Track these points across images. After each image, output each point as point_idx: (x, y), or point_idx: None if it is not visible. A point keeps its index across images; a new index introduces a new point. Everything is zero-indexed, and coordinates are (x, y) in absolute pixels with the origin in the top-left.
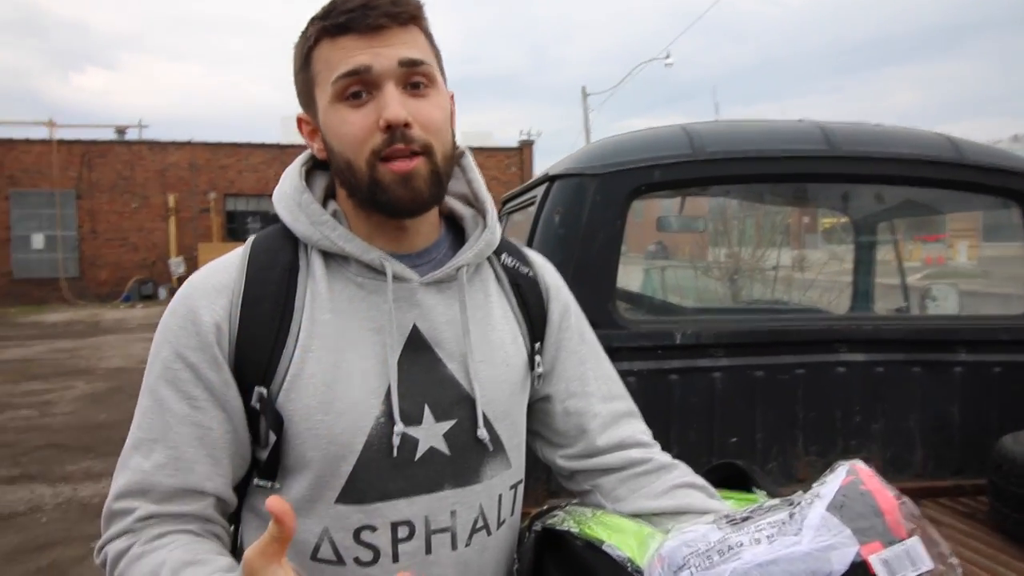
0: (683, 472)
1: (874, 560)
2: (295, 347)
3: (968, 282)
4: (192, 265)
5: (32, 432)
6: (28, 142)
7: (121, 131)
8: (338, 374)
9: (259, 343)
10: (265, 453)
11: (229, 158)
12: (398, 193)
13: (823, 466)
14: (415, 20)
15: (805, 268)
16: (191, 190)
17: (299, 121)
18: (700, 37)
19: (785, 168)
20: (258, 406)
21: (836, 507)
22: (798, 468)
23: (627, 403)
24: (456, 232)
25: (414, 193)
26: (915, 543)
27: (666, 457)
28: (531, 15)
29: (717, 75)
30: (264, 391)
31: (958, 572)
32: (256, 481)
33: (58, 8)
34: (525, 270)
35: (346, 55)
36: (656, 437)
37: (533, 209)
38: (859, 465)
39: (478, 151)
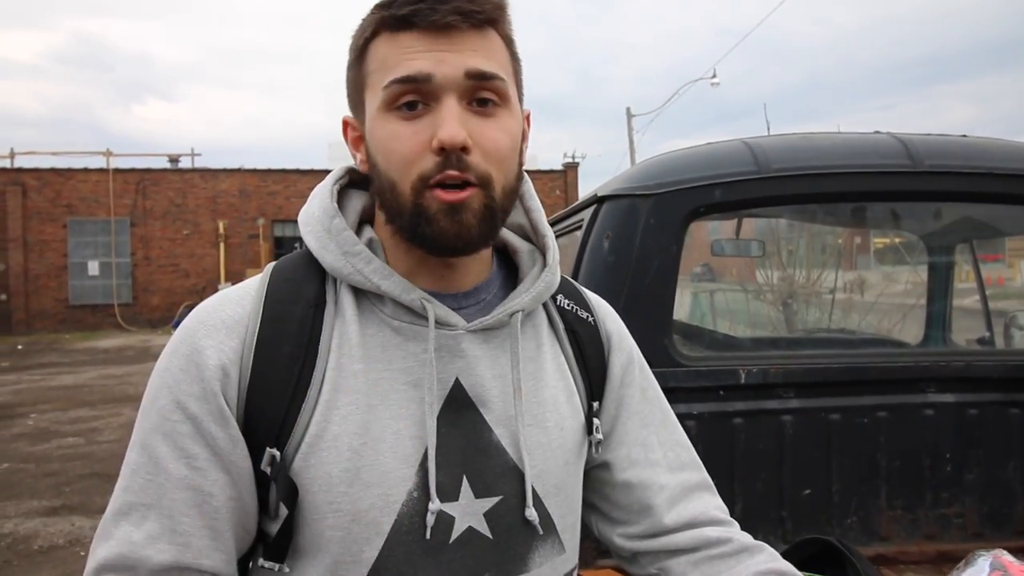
0: (768, 557)
1: None
2: (317, 401)
3: None
4: None
5: (76, 461)
6: (86, 171)
7: (174, 160)
8: (367, 437)
9: (274, 394)
10: (275, 527)
11: (277, 184)
12: (443, 225)
13: (908, 522)
14: (493, 23)
15: (863, 291)
16: (240, 216)
17: (345, 125)
18: (747, 57)
19: (862, 185)
20: (268, 471)
21: None
22: (880, 524)
23: (699, 473)
24: (509, 268)
25: (461, 228)
26: None
27: (747, 538)
28: (578, 37)
29: (765, 94)
30: (277, 454)
31: None
32: (261, 562)
33: (124, 42)
34: (584, 315)
35: (404, 56)
36: (719, 488)
37: (580, 234)
38: (1005, 558)
39: None
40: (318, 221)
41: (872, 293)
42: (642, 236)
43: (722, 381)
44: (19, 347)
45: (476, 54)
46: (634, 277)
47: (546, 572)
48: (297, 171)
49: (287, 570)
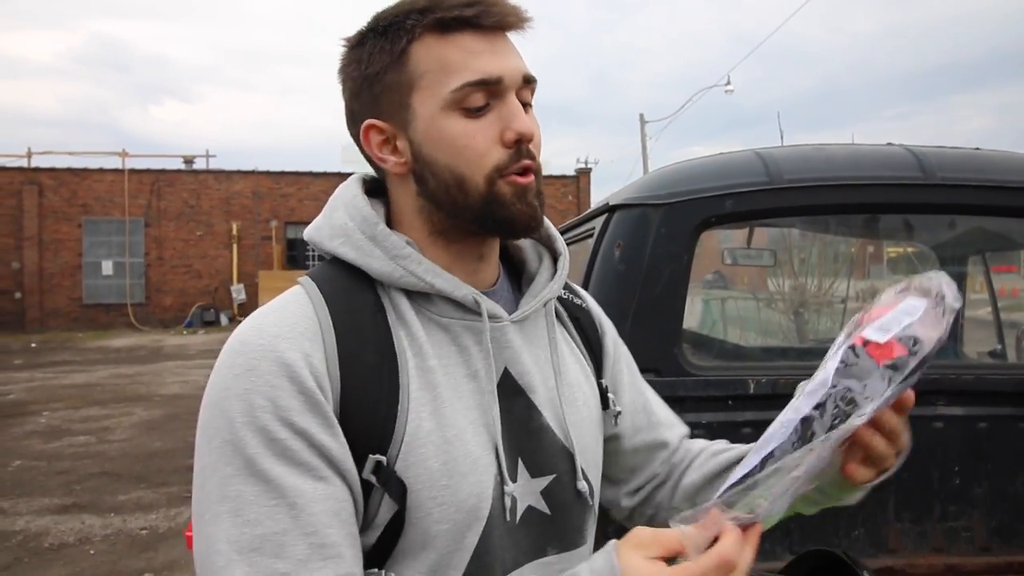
0: (704, 442)
1: (867, 332)
2: (408, 402)
3: None
4: (252, 292)
5: (87, 459)
6: (102, 171)
7: (189, 161)
8: (455, 430)
9: (368, 401)
10: (373, 536)
11: (291, 187)
12: (518, 208)
13: (916, 535)
14: (530, 25)
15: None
16: (254, 218)
17: (368, 129)
18: (762, 64)
19: (873, 197)
20: (373, 478)
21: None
22: (889, 537)
23: (684, 426)
24: (508, 266)
25: (532, 209)
26: (909, 301)
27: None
28: (593, 43)
29: (780, 102)
30: (383, 458)
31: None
32: None
33: (143, 43)
34: (579, 302)
35: (470, 58)
36: None
37: (591, 242)
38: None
39: None
40: (356, 230)
41: None
42: (653, 245)
43: (731, 391)
44: (32, 345)
45: (521, 59)
46: (644, 286)
47: (592, 541)
48: (310, 173)
49: (392, 575)
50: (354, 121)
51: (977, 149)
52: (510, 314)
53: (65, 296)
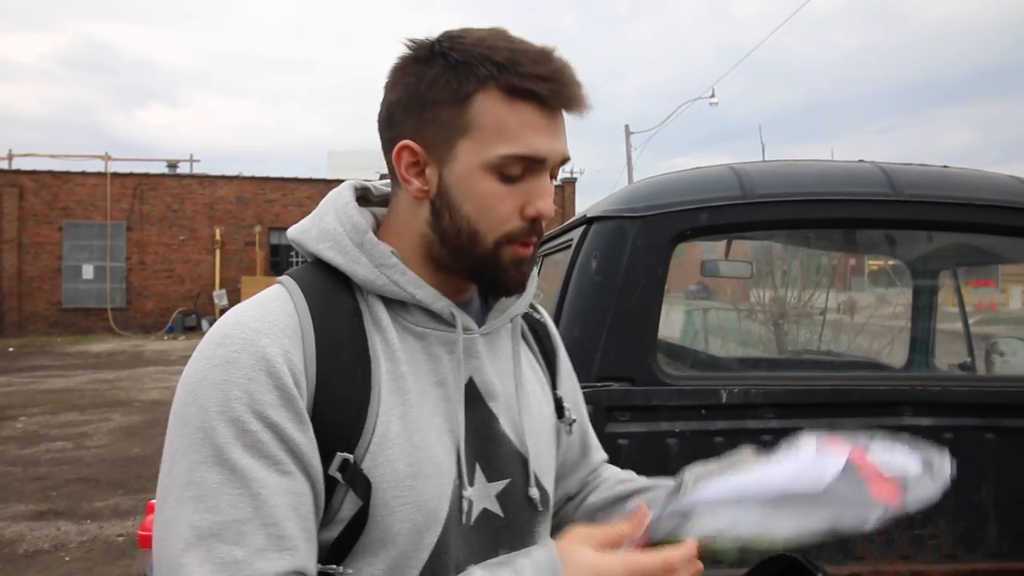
0: (617, 469)
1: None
2: (379, 404)
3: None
4: (234, 298)
5: (64, 465)
6: (84, 174)
7: (172, 165)
8: (421, 433)
9: (342, 400)
10: (335, 531)
11: (275, 192)
12: (511, 275)
13: (883, 542)
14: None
15: (853, 313)
16: (237, 224)
17: (403, 149)
18: (749, 77)
19: (842, 212)
20: (339, 476)
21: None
22: (855, 544)
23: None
24: None
25: (522, 279)
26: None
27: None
28: (581, 53)
29: (766, 115)
30: (350, 457)
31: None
32: (318, 567)
33: (130, 47)
34: (539, 317)
35: (526, 131)
36: None
37: (570, 253)
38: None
39: None
40: (344, 236)
41: (863, 315)
42: (629, 257)
43: (704, 400)
44: (10, 349)
45: (566, 139)
46: (620, 296)
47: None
48: (295, 179)
49: (350, 571)
50: (390, 126)
51: (945, 167)
52: (479, 326)
53: (44, 300)
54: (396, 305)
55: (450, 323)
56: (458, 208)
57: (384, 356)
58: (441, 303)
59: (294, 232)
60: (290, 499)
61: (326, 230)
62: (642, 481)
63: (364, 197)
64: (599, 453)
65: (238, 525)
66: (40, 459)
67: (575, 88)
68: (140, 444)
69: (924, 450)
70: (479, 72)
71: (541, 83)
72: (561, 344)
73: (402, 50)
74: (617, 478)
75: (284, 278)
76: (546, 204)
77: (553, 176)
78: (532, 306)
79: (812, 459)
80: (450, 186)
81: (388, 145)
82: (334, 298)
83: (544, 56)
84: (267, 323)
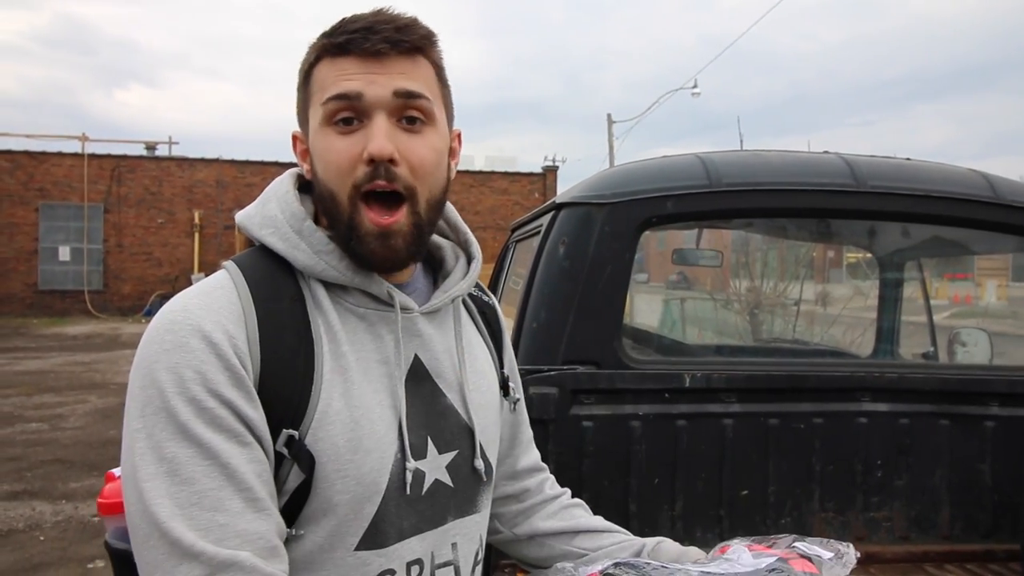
0: (568, 496)
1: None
2: (321, 383)
3: (998, 323)
4: None
5: (39, 446)
6: (60, 155)
7: (151, 147)
8: (362, 410)
9: (287, 380)
10: (283, 500)
11: (255, 176)
12: (373, 247)
13: (840, 524)
14: (421, 51)
15: (828, 304)
16: (217, 207)
17: (294, 139)
18: (733, 68)
19: (806, 202)
20: (285, 450)
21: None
22: (813, 525)
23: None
24: (426, 261)
25: (390, 252)
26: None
27: (556, 488)
28: (566, 43)
29: (749, 107)
30: (295, 433)
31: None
32: None
33: (109, 27)
34: (487, 299)
35: (341, 77)
36: (661, 487)
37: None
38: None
39: (502, 176)
40: (284, 223)
41: (837, 306)
42: (596, 243)
43: (668, 384)
44: None
45: (404, 76)
46: (587, 282)
47: (486, 511)
48: (276, 163)
49: (302, 532)
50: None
51: (908, 159)
52: (421, 306)
53: (20, 282)
54: (337, 288)
55: (390, 304)
56: (317, 173)
57: (326, 337)
58: (379, 286)
59: (240, 217)
60: (255, 467)
61: (268, 216)
62: (593, 522)
63: (309, 184)
64: (531, 453)
65: (215, 492)
66: (15, 440)
67: (387, 32)
68: (116, 426)
69: (835, 545)
70: (310, 51)
71: (350, 35)
72: (505, 325)
73: None
74: (563, 504)
75: (228, 263)
76: (376, 143)
77: (411, 119)
78: (482, 290)
79: (748, 559)
80: (312, 154)
81: None
82: (276, 283)
83: (365, 15)
84: (212, 310)
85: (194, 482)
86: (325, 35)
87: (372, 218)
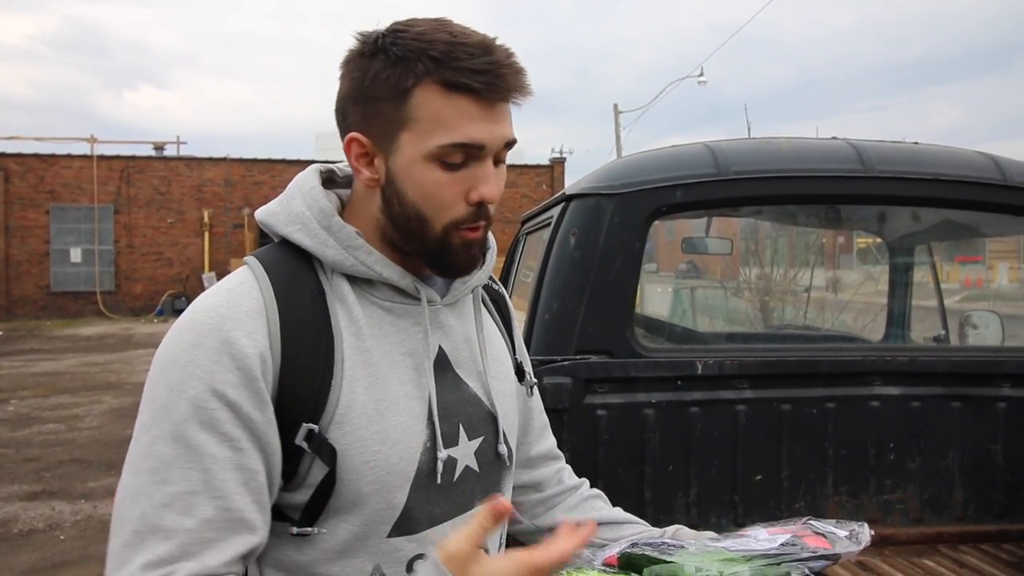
0: (587, 486)
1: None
2: (343, 376)
3: (1010, 305)
4: None
5: (57, 447)
6: (70, 157)
7: (159, 147)
8: (388, 402)
9: (306, 375)
10: (305, 495)
11: (263, 174)
12: (461, 258)
13: (853, 507)
14: (529, 99)
15: (839, 290)
16: (225, 206)
17: (351, 141)
18: (741, 55)
19: (815, 188)
20: (306, 445)
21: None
22: (827, 508)
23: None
24: None
25: (472, 260)
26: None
27: (574, 478)
28: (576, 33)
29: (757, 94)
30: (315, 427)
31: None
32: (293, 530)
33: (120, 28)
34: (498, 288)
35: (462, 121)
36: (675, 473)
37: (550, 230)
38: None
39: (509, 168)
40: (312, 219)
41: (848, 291)
42: (607, 233)
43: (680, 372)
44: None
45: (510, 124)
46: (598, 272)
47: (508, 496)
48: (284, 161)
49: (324, 530)
50: (343, 118)
51: (916, 143)
52: (442, 298)
53: (32, 284)
54: (362, 282)
55: (416, 297)
56: (405, 196)
57: (348, 331)
58: (406, 280)
59: (262, 214)
60: (240, 474)
61: (294, 213)
62: (614, 513)
63: (330, 179)
64: (545, 440)
65: (188, 497)
66: (32, 441)
67: (511, 79)
68: (132, 426)
69: (849, 524)
70: (416, 68)
71: (476, 76)
72: (515, 314)
73: (352, 42)
74: (584, 495)
75: (250, 259)
76: (489, 189)
77: (499, 160)
78: (492, 279)
79: (764, 535)
80: (396, 176)
81: (342, 135)
82: (297, 278)
83: (482, 48)
84: (233, 308)
85: (171, 483)
86: (436, 60)
87: (465, 235)
